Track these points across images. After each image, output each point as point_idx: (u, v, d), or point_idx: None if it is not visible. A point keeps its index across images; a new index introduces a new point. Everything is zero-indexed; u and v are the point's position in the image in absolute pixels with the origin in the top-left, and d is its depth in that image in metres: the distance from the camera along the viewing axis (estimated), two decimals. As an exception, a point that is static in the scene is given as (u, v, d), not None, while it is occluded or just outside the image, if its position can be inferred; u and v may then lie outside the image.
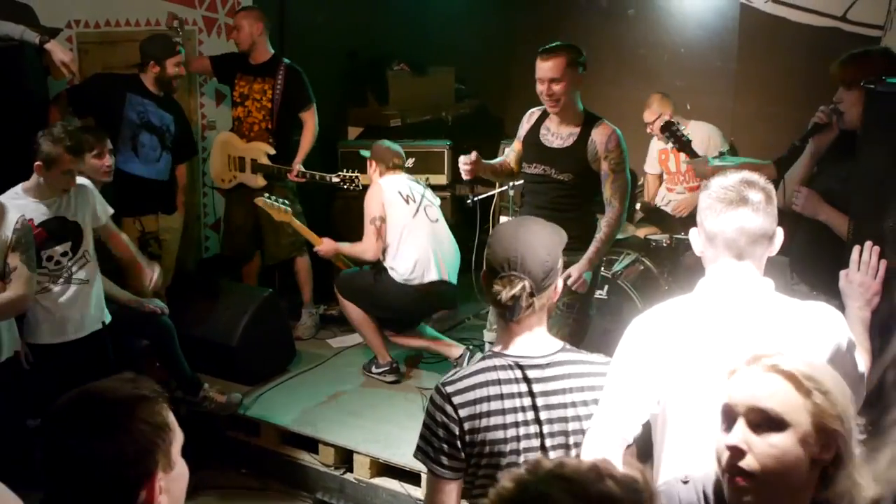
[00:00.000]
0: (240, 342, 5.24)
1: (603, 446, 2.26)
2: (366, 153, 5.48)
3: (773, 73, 6.06)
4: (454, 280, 5.31)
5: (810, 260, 3.63)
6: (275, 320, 5.56)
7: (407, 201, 5.18)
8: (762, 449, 1.74)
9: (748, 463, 1.75)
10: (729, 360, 2.22)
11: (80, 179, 4.22)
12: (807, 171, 3.71)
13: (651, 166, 6.37)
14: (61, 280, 4.12)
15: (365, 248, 5.18)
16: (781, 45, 6.04)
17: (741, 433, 1.77)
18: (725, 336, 2.26)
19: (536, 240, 2.33)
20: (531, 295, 2.29)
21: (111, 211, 4.43)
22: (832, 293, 2.87)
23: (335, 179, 5.56)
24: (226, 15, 6.34)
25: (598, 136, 4.20)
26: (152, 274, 4.57)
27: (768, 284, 2.35)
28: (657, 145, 6.23)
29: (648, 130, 6.09)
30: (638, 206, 6.34)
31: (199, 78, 6.26)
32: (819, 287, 3.42)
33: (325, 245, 5.36)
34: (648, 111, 6.04)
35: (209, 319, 5.36)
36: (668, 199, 6.21)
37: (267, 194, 5.54)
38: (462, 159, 4.50)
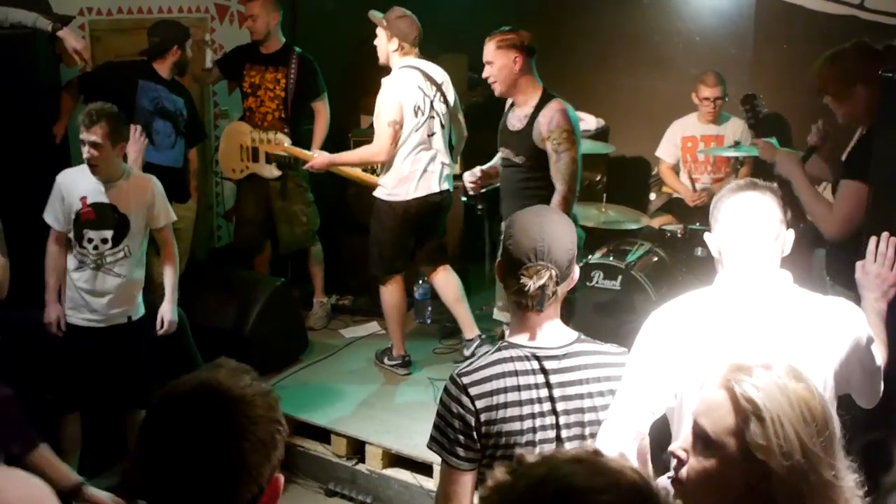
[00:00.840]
0: (252, 332, 5.24)
1: (618, 438, 2.26)
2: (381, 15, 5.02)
3: (789, 61, 6.00)
4: (446, 186, 5.11)
5: (844, 259, 3.59)
6: (287, 310, 5.55)
7: (416, 113, 4.96)
8: (690, 462, 1.72)
9: (681, 471, 1.73)
10: (746, 354, 2.21)
11: (147, 176, 4.32)
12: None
13: (667, 153, 6.13)
14: (93, 266, 4.14)
15: (378, 150, 4.94)
16: (797, 34, 5.98)
17: (684, 441, 1.76)
18: (744, 330, 2.26)
19: (559, 228, 2.33)
20: (556, 283, 2.28)
21: (174, 218, 4.43)
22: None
23: None
24: (238, 2, 6.32)
25: (543, 116, 4.22)
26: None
27: (787, 277, 2.35)
28: (681, 130, 6.04)
29: (709, 109, 5.83)
30: (653, 196, 6.28)
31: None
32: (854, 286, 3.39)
33: (317, 159, 5.24)
34: (714, 89, 5.79)
35: (221, 309, 5.35)
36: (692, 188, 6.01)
37: (252, 130, 5.64)
38: (467, 178, 4.71)
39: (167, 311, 4.39)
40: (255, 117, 5.81)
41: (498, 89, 4.33)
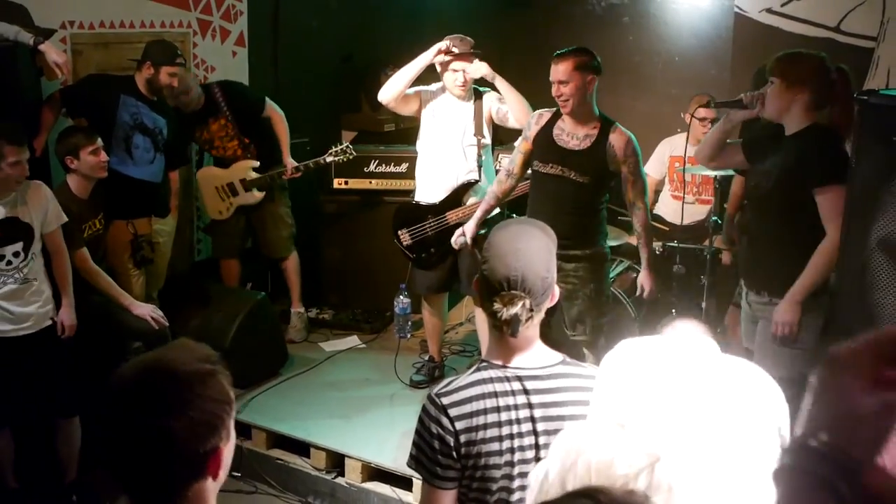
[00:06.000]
0: (231, 345, 5.22)
1: None
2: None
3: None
4: None
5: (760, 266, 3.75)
6: (267, 324, 5.55)
7: None
8: None
9: None
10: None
11: (36, 181, 4.23)
12: (721, 135, 3.93)
13: (653, 169, 6.10)
14: (12, 280, 4.11)
15: None
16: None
17: None
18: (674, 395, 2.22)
19: (536, 255, 2.28)
20: (530, 311, 2.25)
21: (64, 219, 4.34)
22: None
23: (329, 159, 5.76)
24: (220, 18, 6.34)
25: (616, 140, 4.36)
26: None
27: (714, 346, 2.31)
28: (669, 149, 6.03)
29: (705, 129, 5.54)
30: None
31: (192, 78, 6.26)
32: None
33: None
34: (711, 111, 5.58)
35: (201, 322, 5.34)
36: (673, 207, 5.97)
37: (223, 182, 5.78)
38: (457, 242, 4.84)
39: (67, 316, 4.35)
40: (225, 161, 5.91)
41: (569, 108, 4.35)
